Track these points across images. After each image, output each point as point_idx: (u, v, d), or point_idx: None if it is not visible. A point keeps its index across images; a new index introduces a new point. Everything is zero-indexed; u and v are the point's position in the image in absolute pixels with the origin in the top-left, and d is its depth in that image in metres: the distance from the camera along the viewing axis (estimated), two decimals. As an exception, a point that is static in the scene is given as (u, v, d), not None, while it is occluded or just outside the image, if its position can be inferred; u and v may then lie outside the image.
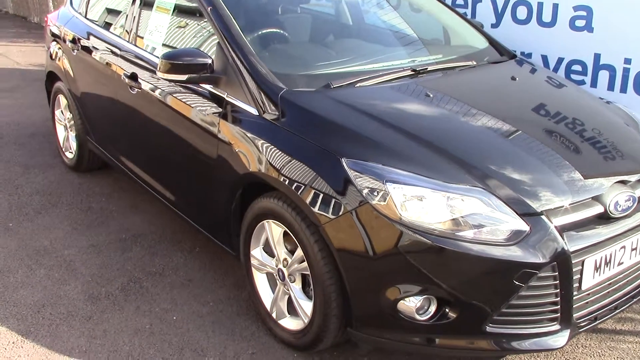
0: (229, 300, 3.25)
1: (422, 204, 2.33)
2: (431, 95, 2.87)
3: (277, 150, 2.64)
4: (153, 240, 3.87)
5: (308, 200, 2.48)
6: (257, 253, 2.93)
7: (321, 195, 2.45)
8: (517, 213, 2.32)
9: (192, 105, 3.15)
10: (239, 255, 3.09)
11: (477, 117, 2.75)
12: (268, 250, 2.90)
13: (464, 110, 2.79)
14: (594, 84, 4.10)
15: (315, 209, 2.46)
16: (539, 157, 2.54)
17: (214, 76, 3.00)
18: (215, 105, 3.02)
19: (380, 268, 2.37)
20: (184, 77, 2.97)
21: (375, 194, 2.35)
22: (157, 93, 3.44)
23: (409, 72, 3.09)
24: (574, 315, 2.43)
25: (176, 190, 3.54)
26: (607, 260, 2.48)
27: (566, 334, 2.41)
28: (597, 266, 2.44)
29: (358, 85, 2.92)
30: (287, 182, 2.56)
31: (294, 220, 2.58)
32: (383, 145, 2.50)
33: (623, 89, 3.96)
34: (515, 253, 2.27)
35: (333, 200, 2.42)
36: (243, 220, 2.93)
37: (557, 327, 2.40)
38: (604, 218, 2.47)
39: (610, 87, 4.01)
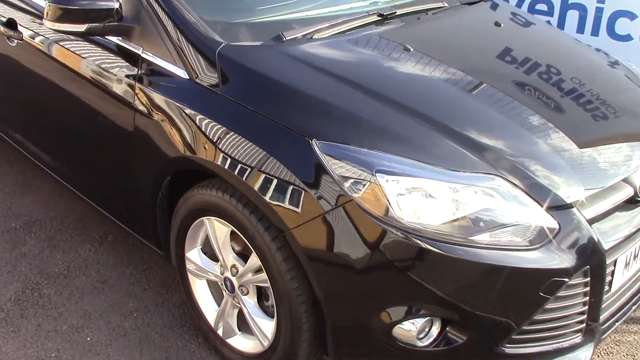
0: (157, 307, 2.60)
1: (422, 200, 1.77)
2: (411, 50, 2.27)
3: (220, 127, 1.98)
4: (52, 229, 3.12)
5: (267, 196, 1.86)
6: (194, 256, 2.29)
7: (285, 189, 1.84)
8: (542, 206, 1.80)
9: (95, 64, 2.40)
10: (168, 256, 2.44)
11: (475, 79, 2.18)
12: (208, 250, 2.27)
13: (458, 71, 2.21)
14: (560, 25, 3.62)
15: (278, 208, 1.84)
16: (560, 132, 2.02)
17: (124, 25, 2.26)
18: (127, 64, 2.28)
19: (368, 284, 1.81)
20: (82, 28, 2.21)
21: (360, 187, 1.76)
22: (45, 46, 2.63)
23: (375, 18, 2.46)
24: (600, 322, 1.98)
25: (80, 171, 2.80)
26: (636, 254, 2.04)
27: (591, 346, 1.97)
28: (627, 262, 2.00)
29: (317, 36, 2.26)
30: (236, 171, 1.92)
31: (246, 220, 1.96)
32: (364, 119, 1.90)
33: (595, 32, 3.51)
34: (542, 259, 1.77)
35: (302, 196, 1.82)
36: (174, 215, 2.27)
37: (580, 339, 1.94)
38: (633, 202, 2.01)
39: (580, 29, 3.55)
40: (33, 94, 2.88)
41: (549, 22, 3.64)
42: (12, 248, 2.97)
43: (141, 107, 2.22)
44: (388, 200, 1.75)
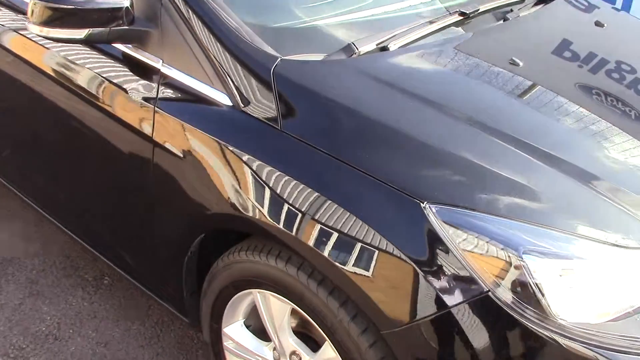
0: (178, 381, 2.07)
1: (588, 290, 1.27)
2: (520, 64, 1.74)
3: (284, 177, 1.44)
4: (34, 270, 2.54)
5: (357, 279, 1.34)
6: (235, 332, 1.76)
7: (384, 269, 1.32)
8: None
9: (98, 79, 1.82)
10: (195, 323, 1.91)
11: (623, 109, 1.67)
12: (253, 322, 1.74)
13: (591, 95, 1.70)
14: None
15: (374, 295, 1.33)
16: None
17: (136, 30, 1.68)
18: (142, 81, 1.72)
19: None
20: (80, 35, 1.63)
21: (499, 272, 1.26)
22: (29, 52, 2.03)
23: (457, 17, 1.92)
24: None
25: (75, 209, 2.22)
26: None
27: None
28: None
29: (394, 45, 1.71)
30: (310, 240, 1.39)
31: (322, 303, 1.44)
32: (493, 171, 1.37)
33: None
34: None
35: (410, 281, 1.31)
36: (208, 281, 1.73)
37: None
38: None
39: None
40: (18, 114, 2.28)
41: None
42: (-16, 298, 2.40)
43: (163, 140, 1.66)
44: (542, 293, 1.24)
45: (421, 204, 1.31)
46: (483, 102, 1.60)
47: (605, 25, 2.16)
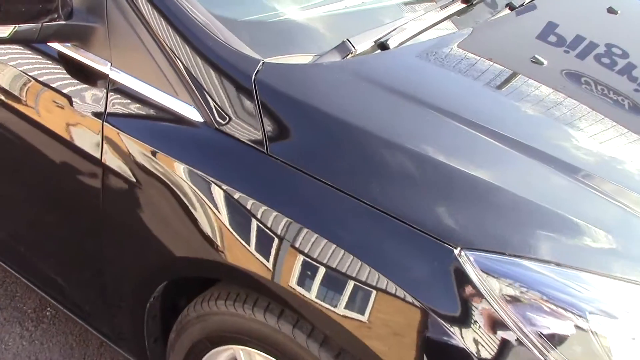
0: None
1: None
2: (544, 63, 1.47)
3: (274, 214, 1.14)
4: (-38, 303, 2.17)
5: (371, 344, 1.07)
6: (210, 390, 1.45)
7: (406, 330, 1.05)
8: None
9: (34, 88, 1.46)
10: (159, 374, 1.60)
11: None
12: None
13: (625, 99, 1.44)
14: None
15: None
16: None
17: (75, 26, 1.33)
18: (85, 88, 1.38)
19: None
20: (3, 33, 1.27)
21: (558, 336, 1.00)
22: None
23: (460, 5, 1.65)
24: None
25: (15, 244, 1.86)
26: None
27: None
28: None
29: (394, 41, 1.42)
30: (311, 294, 1.10)
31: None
32: (538, 205, 1.11)
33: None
34: None
35: (443, 345, 1.03)
36: (175, 332, 1.42)
37: None
38: None
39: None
40: None
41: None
42: None
43: (116, 164, 1.33)
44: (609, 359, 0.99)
45: (454, 249, 1.03)
46: (509, 111, 1.33)
47: (619, 11, 1.91)
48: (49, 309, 2.16)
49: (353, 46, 1.34)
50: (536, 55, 1.46)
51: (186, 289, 1.42)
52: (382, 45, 1.40)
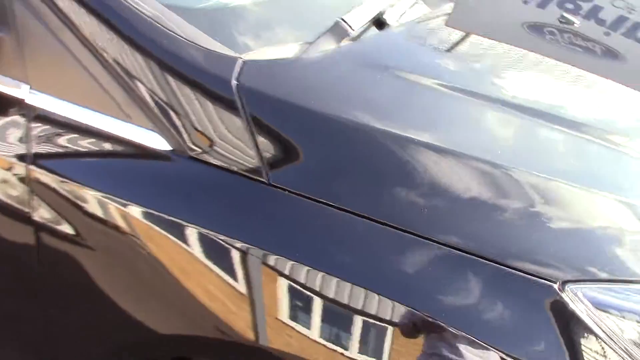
0: None
1: None
2: (576, 22, 1.21)
3: (290, 263, 0.83)
4: None
5: None
6: None
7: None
8: None
9: None
10: None
11: None
12: None
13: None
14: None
15: None
16: None
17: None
18: (3, 122, 1.01)
19: None
20: None
21: None
22: None
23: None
24: None
25: None
26: None
27: None
28: None
29: (396, 20, 1.14)
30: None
31: None
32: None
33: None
34: None
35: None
36: None
37: None
38: None
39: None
40: None
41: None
42: None
43: (53, 221, 0.97)
44: None
45: (553, 284, 0.76)
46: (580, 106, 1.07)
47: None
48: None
49: (350, 26, 1.03)
50: (563, 14, 1.21)
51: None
52: (379, 23, 1.10)
